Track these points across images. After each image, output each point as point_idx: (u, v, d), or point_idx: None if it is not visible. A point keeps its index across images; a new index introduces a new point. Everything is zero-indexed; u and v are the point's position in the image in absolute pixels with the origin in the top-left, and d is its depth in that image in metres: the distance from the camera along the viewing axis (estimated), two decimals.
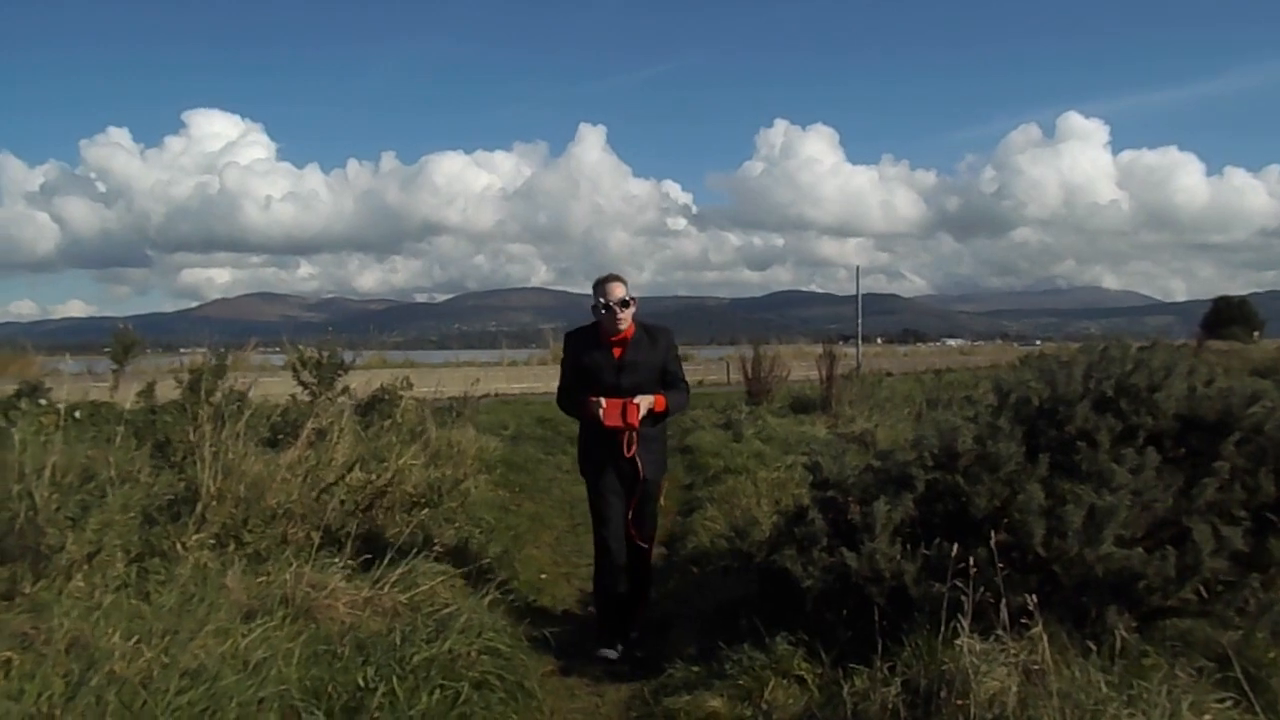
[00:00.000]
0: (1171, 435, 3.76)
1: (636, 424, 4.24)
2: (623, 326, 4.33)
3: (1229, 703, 2.88)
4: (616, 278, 4.37)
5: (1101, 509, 3.29)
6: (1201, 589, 3.33)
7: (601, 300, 4.33)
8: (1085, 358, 4.11)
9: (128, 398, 7.03)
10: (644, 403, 4.26)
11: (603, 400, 4.23)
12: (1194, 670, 3.05)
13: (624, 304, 4.31)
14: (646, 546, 4.55)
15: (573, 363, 4.48)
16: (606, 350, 4.37)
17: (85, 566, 3.85)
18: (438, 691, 3.33)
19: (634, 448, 4.32)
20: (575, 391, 4.44)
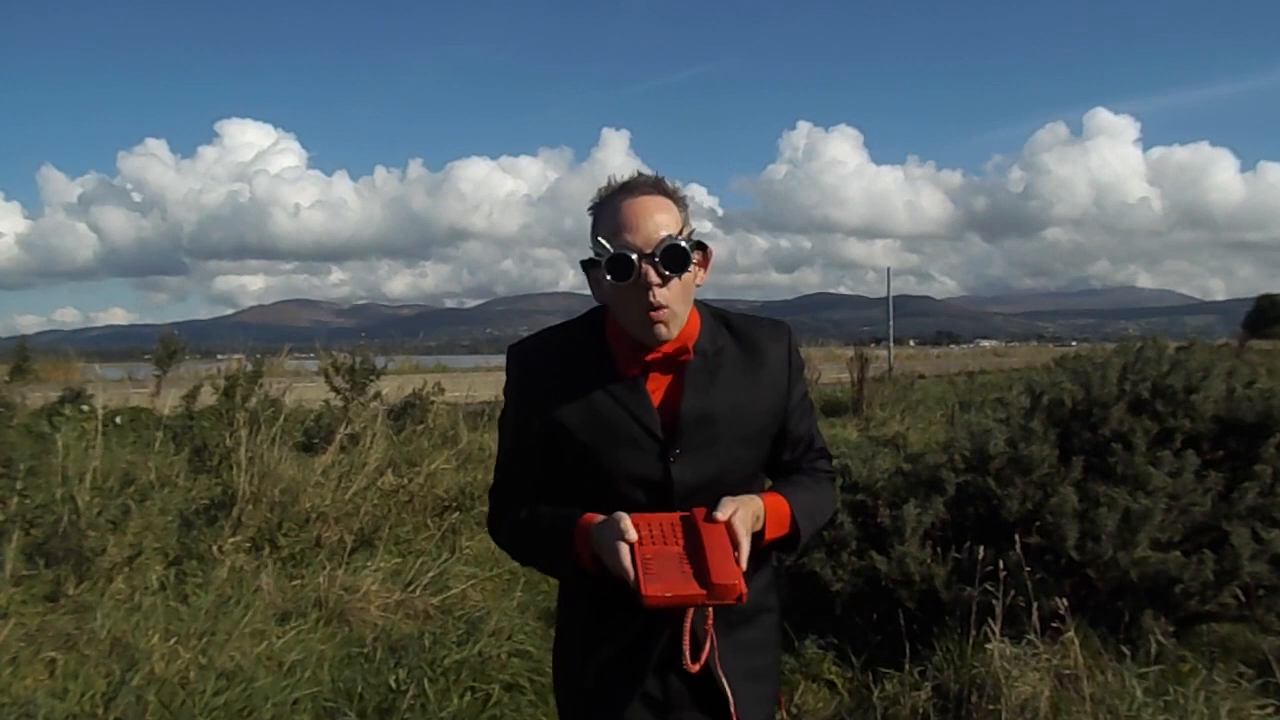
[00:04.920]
0: (1210, 437, 3.69)
1: (743, 587, 1.32)
2: (669, 333, 1.48)
3: (1270, 710, 2.83)
4: (655, 184, 1.49)
5: (1136, 512, 3.24)
6: (1240, 594, 3.27)
7: (606, 245, 1.44)
8: (1120, 359, 4.04)
9: (168, 403, 7.18)
10: (742, 524, 1.40)
11: (628, 525, 1.37)
12: (1233, 676, 3.01)
13: (675, 258, 1.42)
14: None
15: (537, 424, 1.53)
16: (629, 385, 1.50)
17: (126, 569, 3.95)
18: (469, 694, 3.36)
19: (709, 646, 1.45)
20: (542, 496, 1.56)
